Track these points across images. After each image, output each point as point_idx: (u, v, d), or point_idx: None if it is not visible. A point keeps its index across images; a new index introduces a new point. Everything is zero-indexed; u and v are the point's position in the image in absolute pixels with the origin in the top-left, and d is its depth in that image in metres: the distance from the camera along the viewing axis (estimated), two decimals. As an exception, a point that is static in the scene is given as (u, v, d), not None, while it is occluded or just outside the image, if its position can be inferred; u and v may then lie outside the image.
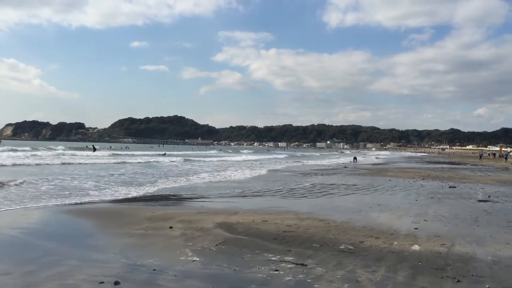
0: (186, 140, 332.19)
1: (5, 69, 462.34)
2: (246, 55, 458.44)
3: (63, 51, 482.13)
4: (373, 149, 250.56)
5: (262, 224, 9.92)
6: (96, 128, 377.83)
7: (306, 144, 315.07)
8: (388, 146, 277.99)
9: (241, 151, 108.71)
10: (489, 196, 16.51)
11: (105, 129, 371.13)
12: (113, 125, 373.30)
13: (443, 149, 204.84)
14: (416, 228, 9.81)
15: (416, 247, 7.89)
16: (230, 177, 25.81)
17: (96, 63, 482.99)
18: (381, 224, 10.35)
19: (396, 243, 8.25)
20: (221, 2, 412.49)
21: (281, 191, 18.10)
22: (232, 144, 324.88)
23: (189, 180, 22.62)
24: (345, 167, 42.42)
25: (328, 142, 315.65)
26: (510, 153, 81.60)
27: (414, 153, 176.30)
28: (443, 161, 65.16)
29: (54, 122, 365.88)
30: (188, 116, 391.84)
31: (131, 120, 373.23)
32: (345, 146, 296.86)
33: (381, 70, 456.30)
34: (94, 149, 58.76)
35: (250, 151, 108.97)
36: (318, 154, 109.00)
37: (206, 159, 50.23)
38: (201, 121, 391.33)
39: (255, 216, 10.96)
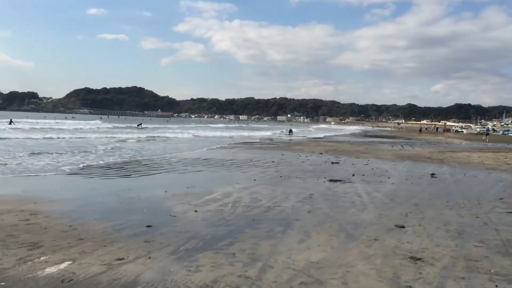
0: (145, 112, 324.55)
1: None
2: (209, 26, 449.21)
3: (16, 17, 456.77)
4: (332, 123, 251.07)
5: None
6: (51, 98, 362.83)
7: (267, 118, 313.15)
8: (347, 120, 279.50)
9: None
10: (353, 175, 14.22)
11: (59, 99, 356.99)
12: (68, 95, 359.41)
13: (399, 124, 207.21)
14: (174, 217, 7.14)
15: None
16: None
17: (51, 30, 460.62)
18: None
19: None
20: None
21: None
22: (193, 116, 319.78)
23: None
24: (271, 139, 40.20)
25: (289, 115, 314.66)
26: (491, 129, 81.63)
27: (371, 127, 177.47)
28: (381, 135, 64.02)
29: (5, 91, 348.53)
30: (148, 87, 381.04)
31: (87, 90, 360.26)
32: (306, 120, 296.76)
33: (343, 44, 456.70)
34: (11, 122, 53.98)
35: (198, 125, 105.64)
36: (267, 126, 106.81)
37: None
38: (161, 93, 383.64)
39: None
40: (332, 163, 18.40)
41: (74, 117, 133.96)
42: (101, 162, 16.69)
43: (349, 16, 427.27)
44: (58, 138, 31.75)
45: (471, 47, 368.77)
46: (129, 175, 13.37)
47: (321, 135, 58.15)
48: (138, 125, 62.78)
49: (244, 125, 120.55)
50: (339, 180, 12.83)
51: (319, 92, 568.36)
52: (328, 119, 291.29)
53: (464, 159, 21.51)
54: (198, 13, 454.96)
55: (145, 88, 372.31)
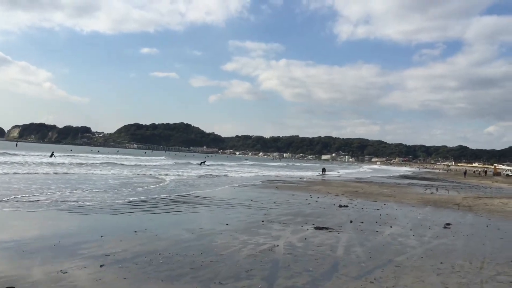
0: (191, 148, 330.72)
1: (16, 72, 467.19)
2: (256, 65, 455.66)
3: (74, 55, 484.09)
4: (378, 163, 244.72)
5: None
6: (103, 132, 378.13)
7: (311, 156, 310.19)
8: (393, 160, 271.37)
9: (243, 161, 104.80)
10: (351, 221, 12.30)
11: (110, 134, 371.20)
12: (119, 130, 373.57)
13: (448, 166, 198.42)
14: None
15: None
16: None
17: (106, 68, 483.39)
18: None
19: None
20: (233, 11, 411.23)
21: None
22: (237, 153, 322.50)
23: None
24: (300, 178, 38.36)
25: (333, 154, 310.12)
26: None
27: (417, 168, 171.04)
28: (422, 177, 60.39)
29: (61, 125, 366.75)
30: (195, 124, 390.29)
31: (137, 126, 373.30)
32: (351, 159, 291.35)
33: (391, 84, 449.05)
34: (52, 155, 55.09)
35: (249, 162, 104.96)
36: (309, 165, 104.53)
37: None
38: (208, 129, 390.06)
39: None
40: (340, 206, 16.47)
41: (118, 151, 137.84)
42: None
43: (397, 56, 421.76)
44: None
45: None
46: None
47: (356, 175, 55.50)
48: (201, 163, 60.99)
49: (289, 163, 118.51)
50: (326, 228, 10.99)
51: (365, 132, 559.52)
52: (374, 159, 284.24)
53: (498, 207, 18.86)
54: (245, 52, 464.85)
55: (192, 125, 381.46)
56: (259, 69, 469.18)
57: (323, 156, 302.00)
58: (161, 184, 23.49)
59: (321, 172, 53.72)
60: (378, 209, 16.01)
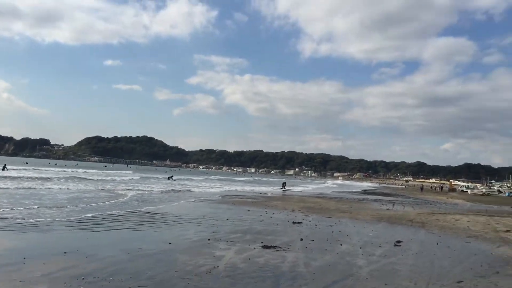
0: (154, 161, 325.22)
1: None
2: (221, 79, 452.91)
3: (34, 66, 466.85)
4: (340, 178, 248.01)
5: None
6: (62, 145, 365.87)
7: (274, 171, 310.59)
8: (354, 176, 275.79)
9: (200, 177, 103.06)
10: (301, 239, 11.92)
11: (70, 146, 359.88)
12: (80, 143, 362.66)
13: (407, 181, 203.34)
14: None
15: None
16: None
17: (68, 79, 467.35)
18: None
19: None
20: (198, 25, 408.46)
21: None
22: (201, 167, 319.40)
23: None
24: (260, 193, 37.87)
25: (296, 169, 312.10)
26: (497, 190, 78.67)
27: (378, 184, 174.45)
28: (381, 193, 61.27)
29: (18, 137, 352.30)
30: (158, 137, 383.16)
31: (98, 139, 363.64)
32: (313, 174, 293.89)
33: (352, 100, 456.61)
34: (4, 168, 52.40)
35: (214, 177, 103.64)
36: (272, 179, 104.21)
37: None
38: (172, 143, 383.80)
39: None
40: (294, 223, 16.12)
41: (77, 164, 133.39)
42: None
43: (358, 73, 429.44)
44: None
45: (480, 107, 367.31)
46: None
47: (318, 191, 55.65)
48: (169, 178, 60.01)
49: (255, 178, 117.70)
50: (274, 247, 10.56)
51: (327, 147, 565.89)
52: (336, 174, 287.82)
53: (450, 224, 19.01)
54: (210, 66, 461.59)
55: (155, 138, 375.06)
56: (223, 83, 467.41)
57: (287, 171, 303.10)
58: (118, 200, 22.50)
59: (281, 187, 53.55)
60: (331, 226, 15.76)
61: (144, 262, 8.31)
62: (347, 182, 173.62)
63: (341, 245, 11.49)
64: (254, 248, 10.33)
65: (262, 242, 11.12)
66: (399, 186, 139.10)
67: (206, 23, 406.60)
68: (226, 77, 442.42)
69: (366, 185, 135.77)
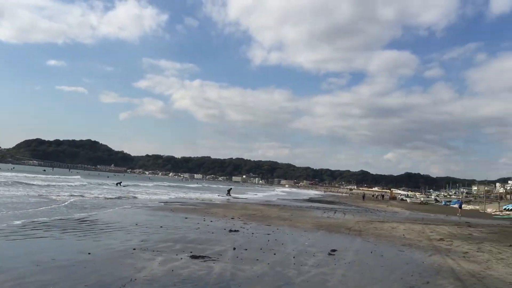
0: (98, 166, 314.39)
1: None
2: (170, 84, 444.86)
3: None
4: (286, 185, 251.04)
5: None
6: None
7: (222, 177, 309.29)
8: (301, 183, 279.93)
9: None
10: (234, 248, 11.44)
11: (8, 149, 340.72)
12: (18, 146, 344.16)
13: (351, 189, 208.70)
14: None
15: None
16: None
17: (8, 79, 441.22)
18: None
19: None
20: (147, 29, 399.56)
21: None
22: (147, 173, 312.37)
23: None
24: (203, 200, 37.10)
25: (244, 176, 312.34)
26: (434, 199, 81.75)
27: (323, 191, 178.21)
28: (325, 201, 62.20)
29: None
30: (103, 141, 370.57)
31: (39, 141, 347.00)
32: (260, 181, 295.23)
33: (301, 109, 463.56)
34: None
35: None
36: (220, 186, 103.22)
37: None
38: (117, 147, 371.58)
39: None
40: (230, 231, 15.63)
41: (14, 168, 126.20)
42: None
43: (307, 82, 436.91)
44: None
45: (421, 119, 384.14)
46: None
47: (264, 198, 55.63)
48: (117, 184, 57.85)
49: (205, 185, 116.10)
50: (203, 257, 10.01)
51: (275, 155, 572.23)
52: (283, 181, 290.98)
53: (387, 232, 19.23)
54: (159, 71, 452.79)
55: (100, 142, 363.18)
56: (173, 88, 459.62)
57: (234, 178, 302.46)
58: (52, 206, 21.02)
59: (226, 194, 53.09)
60: (269, 234, 15.41)
61: (53, 275, 7.52)
62: (294, 189, 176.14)
63: (274, 254, 11.12)
64: (181, 258, 9.74)
65: (191, 252, 10.54)
66: (343, 194, 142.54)
67: (156, 26, 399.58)
68: (175, 82, 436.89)
69: (313, 193, 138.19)
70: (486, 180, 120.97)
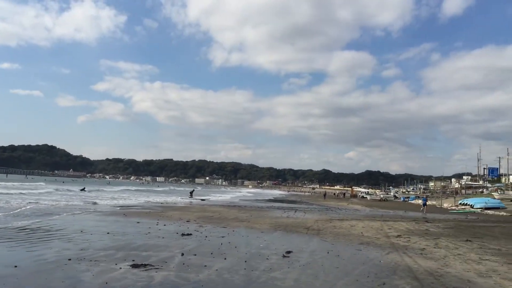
0: (56, 172, 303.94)
1: None
2: (130, 86, 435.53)
3: None
4: (250, 186, 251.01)
5: None
6: None
7: (185, 180, 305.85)
8: (264, 184, 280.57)
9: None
10: (182, 254, 10.65)
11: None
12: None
13: (313, 188, 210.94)
14: None
15: None
16: None
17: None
18: None
19: None
20: (105, 30, 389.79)
21: None
22: (107, 177, 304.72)
23: None
24: (162, 204, 35.90)
25: (207, 178, 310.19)
26: (393, 195, 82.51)
27: (287, 191, 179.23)
28: (286, 200, 62.07)
29: None
30: (60, 146, 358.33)
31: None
32: (224, 182, 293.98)
33: (262, 110, 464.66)
34: None
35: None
36: (182, 189, 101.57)
37: None
38: (76, 152, 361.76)
39: None
40: (183, 235, 14.85)
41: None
42: None
43: (268, 83, 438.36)
44: None
45: (380, 118, 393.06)
46: None
47: (227, 199, 54.86)
48: (81, 190, 56.62)
49: (171, 188, 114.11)
50: (145, 265, 9.20)
51: (238, 156, 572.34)
52: (246, 182, 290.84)
53: (345, 230, 18.92)
54: (118, 72, 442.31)
55: (57, 147, 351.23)
56: (132, 90, 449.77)
57: (197, 180, 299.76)
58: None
59: (189, 196, 52.16)
60: (223, 237, 14.71)
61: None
62: (259, 190, 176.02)
63: (225, 259, 10.43)
64: (121, 268, 8.89)
65: (133, 260, 9.70)
66: (306, 194, 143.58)
67: (114, 28, 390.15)
68: (135, 84, 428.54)
69: (278, 193, 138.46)
70: (442, 176, 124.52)
